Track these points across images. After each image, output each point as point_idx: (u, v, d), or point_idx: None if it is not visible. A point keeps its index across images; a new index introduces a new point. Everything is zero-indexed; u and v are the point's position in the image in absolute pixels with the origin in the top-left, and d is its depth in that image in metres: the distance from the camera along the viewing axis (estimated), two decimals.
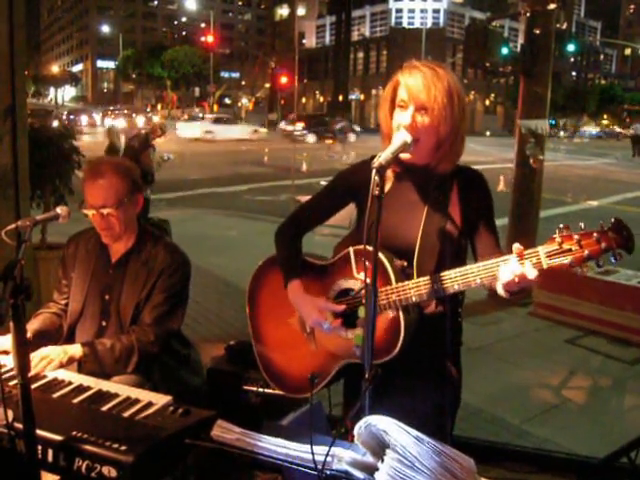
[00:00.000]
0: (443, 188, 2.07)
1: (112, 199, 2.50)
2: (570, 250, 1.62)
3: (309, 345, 2.20)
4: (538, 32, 6.71)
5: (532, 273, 1.68)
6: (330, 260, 2.17)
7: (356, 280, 2.06)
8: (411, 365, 2.06)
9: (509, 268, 1.70)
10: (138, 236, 2.66)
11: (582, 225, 1.63)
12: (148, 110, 58.29)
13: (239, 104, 73.49)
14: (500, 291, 1.79)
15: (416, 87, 1.94)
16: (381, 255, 1.92)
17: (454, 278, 1.85)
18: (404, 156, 1.96)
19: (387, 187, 2.10)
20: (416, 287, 1.91)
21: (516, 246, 1.70)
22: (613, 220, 1.62)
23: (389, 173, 2.08)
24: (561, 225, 1.66)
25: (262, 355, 2.37)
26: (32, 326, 2.60)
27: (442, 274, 1.87)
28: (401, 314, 1.95)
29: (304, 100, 68.44)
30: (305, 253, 2.28)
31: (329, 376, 2.15)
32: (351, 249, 2.06)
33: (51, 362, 2.29)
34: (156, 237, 2.69)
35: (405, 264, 2.01)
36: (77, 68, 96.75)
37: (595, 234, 1.61)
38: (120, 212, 2.52)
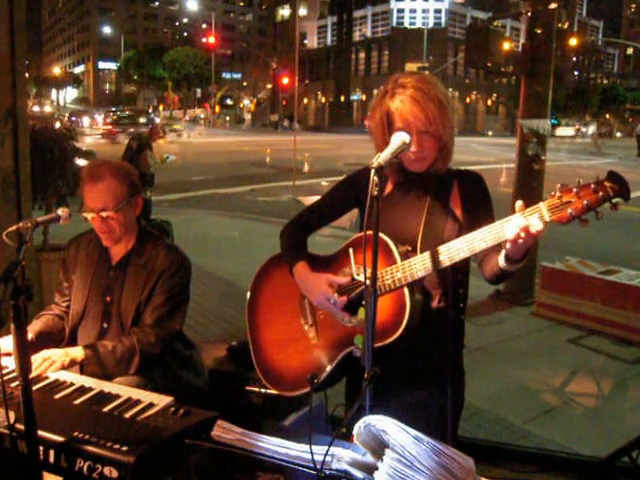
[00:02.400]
0: (444, 187, 2.12)
1: (112, 202, 2.51)
2: (570, 202, 1.68)
3: (310, 338, 2.20)
4: (540, 32, 6.70)
5: (536, 225, 1.70)
6: (334, 251, 2.20)
7: (359, 268, 2.07)
8: (412, 364, 2.06)
9: (514, 223, 1.73)
10: (138, 238, 2.66)
11: (580, 180, 1.70)
12: (150, 111, 58.24)
13: (241, 105, 73.53)
14: (501, 262, 1.84)
15: (412, 115, 1.97)
16: (386, 238, 1.97)
17: (460, 247, 1.88)
18: (411, 167, 2.02)
19: (388, 190, 2.16)
20: (422, 261, 1.93)
21: (519, 203, 1.75)
22: (608, 172, 1.69)
23: (391, 176, 2.14)
24: (559, 184, 1.72)
25: (259, 356, 2.37)
26: (34, 327, 2.62)
27: (447, 245, 1.90)
28: (406, 291, 1.96)
29: (306, 101, 68.41)
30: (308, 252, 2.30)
31: (330, 368, 2.14)
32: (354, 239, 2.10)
33: (53, 364, 2.30)
34: (156, 238, 2.69)
35: (409, 248, 2.04)
36: (79, 69, 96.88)
37: (592, 185, 1.67)
38: (120, 215, 2.53)
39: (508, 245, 1.78)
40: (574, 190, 1.69)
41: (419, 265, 1.93)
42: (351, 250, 2.08)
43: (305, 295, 2.21)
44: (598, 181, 1.67)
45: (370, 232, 1.73)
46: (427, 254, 1.93)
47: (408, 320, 1.94)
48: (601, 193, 1.66)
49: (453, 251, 1.88)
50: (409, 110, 1.97)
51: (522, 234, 1.71)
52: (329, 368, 2.14)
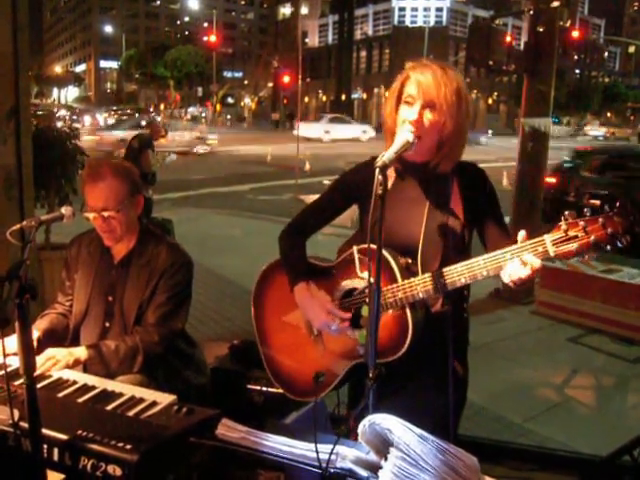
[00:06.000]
0: (444, 184, 2.07)
1: (113, 202, 2.50)
2: (576, 237, 1.59)
3: (317, 347, 2.20)
4: (541, 30, 6.70)
5: (536, 263, 1.68)
6: (334, 261, 2.18)
7: (361, 280, 2.06)
8: (416, 364, 2.06)
9: (513, 267, 1.71)
10: (140, 236, 2.66)
11: (587, 211, 1.61)
12: (151, 110, 58.16)
13: (242, 104, 73.46)
14: (506, 280, 1.79)
15: (426, 83, 1.94)
16: (386, 253, 1.92)
17: (461, 271, 1.84)
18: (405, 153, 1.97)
19: (388, 185, 2.11)
20: (422, 283, 1.91)
21: (522, 234, 1.71)
22: (619, 203, 1.58)
23: (390, 171, 2.07)
24: (566, 212, 1.63)
25: (269, 359, 2.37)
26: (40, 325, 2.62)
27: (448, 268, 1.87)
28: (408, 312, 1.95)
29: (307, 99, 68.30)
30: (309, 256, 2.28)
31: (338, 378, 2.15)
32: (355, 248, 2.07)
33: (57, 363, 2.30)
34: (158, 237, 2.69)
35: (410, 261, 2.01)
36: (80, 68, 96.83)
37: (601, 219, 1.57)
38: (121, 214, 2.52)
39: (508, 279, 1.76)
40: (581, 224, 1.58)
41: (420, 287, 1.91)
42: (356, 256, 2.06)
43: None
44: (608, 215, 1.57)
45: (372, 246, 1.71)
46: (428, 277, 1.90)
47: (411, 340, 1.94)
48: (610, 229, 1.55)
49: (454, 276, 1.85)
50: (424, 77, 1.94)
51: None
52: (336, 381, 2.15)
